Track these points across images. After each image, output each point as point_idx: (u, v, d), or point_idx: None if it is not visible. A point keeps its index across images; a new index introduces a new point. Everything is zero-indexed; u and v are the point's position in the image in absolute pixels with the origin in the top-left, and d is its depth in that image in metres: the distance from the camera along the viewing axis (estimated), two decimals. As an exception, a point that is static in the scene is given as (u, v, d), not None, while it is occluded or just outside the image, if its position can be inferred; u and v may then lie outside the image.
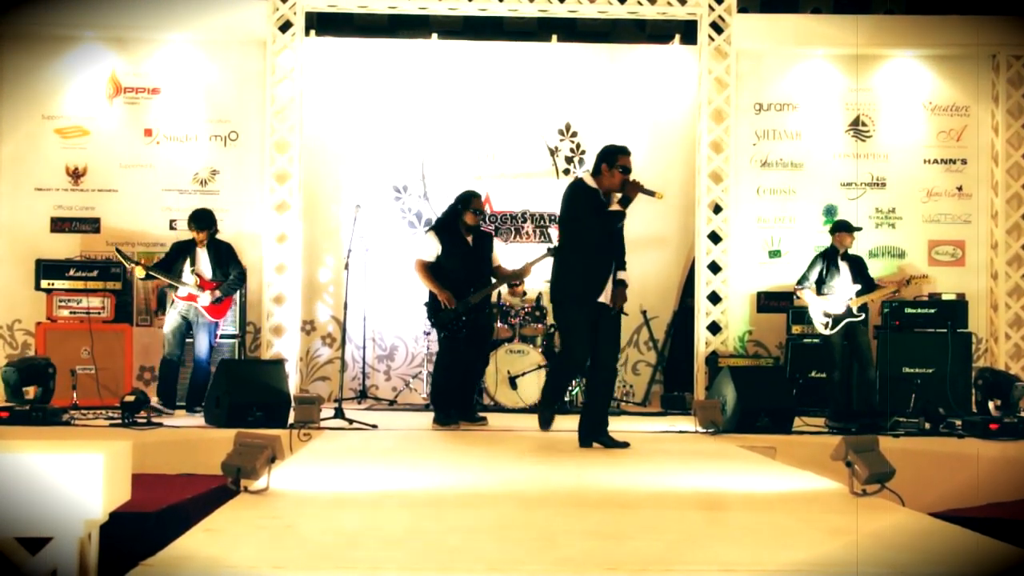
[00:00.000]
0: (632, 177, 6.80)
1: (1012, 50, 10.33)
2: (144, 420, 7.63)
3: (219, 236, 9.03)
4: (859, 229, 9.33)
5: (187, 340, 8.78)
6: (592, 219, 6.72)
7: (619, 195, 6.79)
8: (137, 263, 8.60)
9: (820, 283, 9.09)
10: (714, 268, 10.03)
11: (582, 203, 6.75)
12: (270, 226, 9.91)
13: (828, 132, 10.56)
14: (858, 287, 8.97)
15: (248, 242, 10.14)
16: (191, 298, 8.61)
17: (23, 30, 10.01)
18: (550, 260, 7.52)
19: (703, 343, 9.93)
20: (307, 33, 10.15)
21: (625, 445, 6.71)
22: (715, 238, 10.05)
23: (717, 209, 10.06)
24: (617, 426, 7.43)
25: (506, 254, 9.35)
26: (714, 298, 10.00)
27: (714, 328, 9.96)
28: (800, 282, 9.23)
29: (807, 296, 9.11)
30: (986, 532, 3.85)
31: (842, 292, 8.98)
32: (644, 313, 10.51)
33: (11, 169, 10.12)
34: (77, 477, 2.93)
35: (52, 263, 9.43)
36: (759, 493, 5.00)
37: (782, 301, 10.29)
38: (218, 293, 8.69)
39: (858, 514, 4.26)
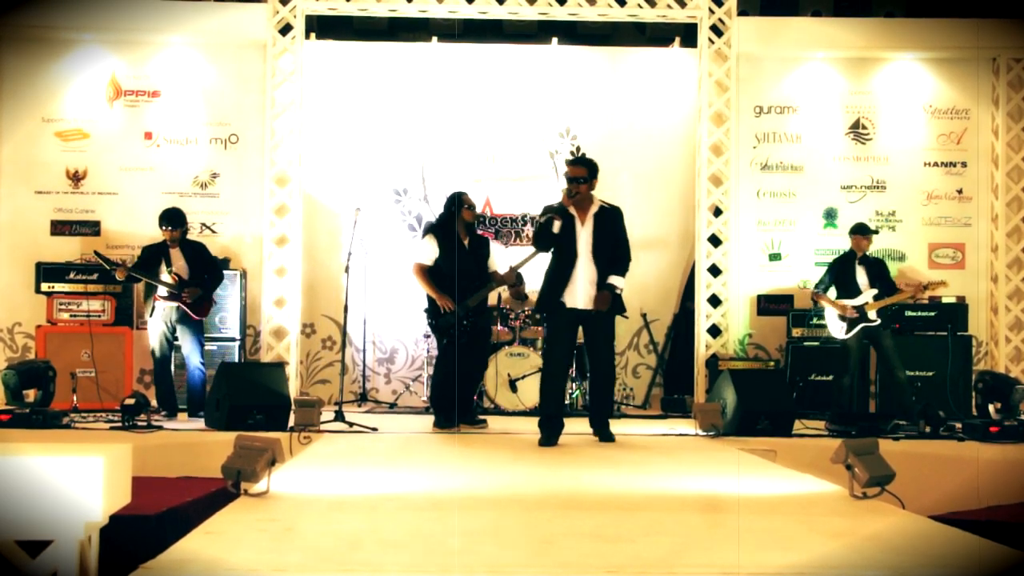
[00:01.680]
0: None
1: (1012, 53, 10.33)
2: (144, 423, 7.63)
3: (191, 236, 9.05)
4: (876, 232, 9.31)
5: (174, 343, 8.77)
6: (544, 232, 7.23)
7: (600, 205, 7.28)
8: (119, 265, 8.55)
9: (838, 287, 9.09)
10: (714, 271, 10.02)
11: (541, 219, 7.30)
12: (270, 229, 9.90)
13: (828, 135, 10.56)
14: (875, 291, 8.95)
15: (248, 245, 10.16)
16: (174, 298, 8.59)
17: (23, 32, 10.01)
18: (536, 261, 7.95)
19: (703, 346, 9.93)
20: (307, 36, 10.15)
21: (612, 439, 7.25)
22: (715, 241, 10.05)
23: (717, 212, 10.06)
24: (617, 428, 7.46)
25: (506, 257, 9.35)
26: (714, 301, 9.99)
27: (714, 331, 9.96)
28: (817, 286, 9.24)
29: (824, 300, 9.10)
30: (986, 535, 3.85)
31: (858, 296, 8.96)
32: (644, 316, 10.51)
33: (11, 172, 10.12)
34: (77, 480, 2.93)
35: (52, 266, 9.43)
36: (759, 496, 5.00)
37: (782, 304, 10.29)
38: (199, 292, 8.67)
39: (858, 517, 4.26)
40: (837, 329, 8.99)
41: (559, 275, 7.17)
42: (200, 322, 8.74)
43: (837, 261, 9.30)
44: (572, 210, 7.17)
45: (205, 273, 8.77)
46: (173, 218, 8.75)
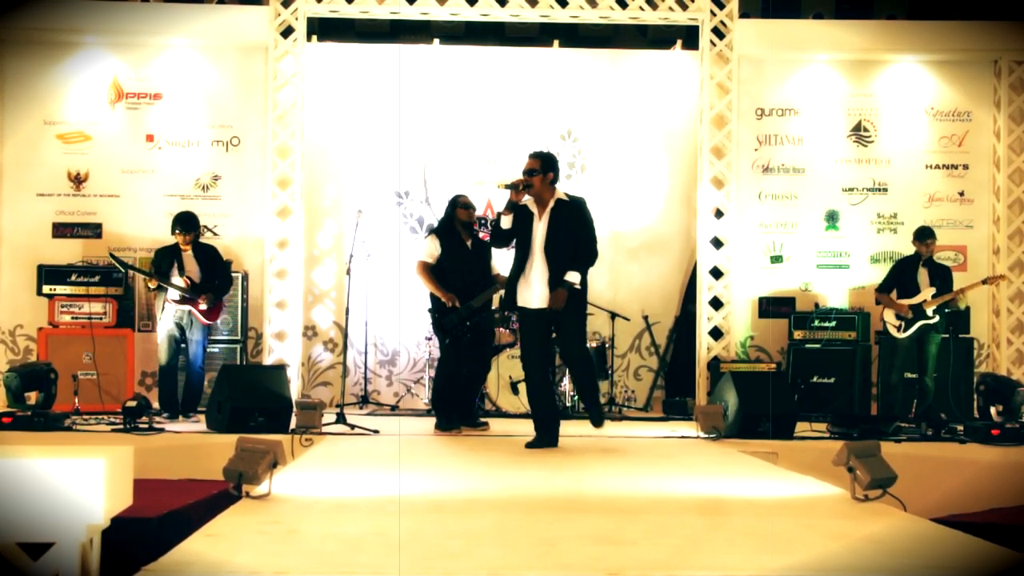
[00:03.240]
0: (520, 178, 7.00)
1: (1014, 55, 10.33)
2: (146, 425, 7.62)
3: (202, 240, 9.08)
4: (933, 237, 9.25)
5: (181, 345, 8.77)
6: (517, 227, 7.03)
7: (556, 199, 7.02)
8: (149, 274, 8.59)
9: (898, 288, 9.22)
10: (716, 273, 10.03)
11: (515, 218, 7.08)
12: (272, 231, 9.91)
13: (830, 137, 10.56)
14: (933, 290, 8.99)
15: (250, 247, 10.16)
16: (187, 302, 8.59)
17: (25, 35, 10.02)
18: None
19: (705, 348, 9.93)
20: (309, 38, 10.15)
21: (600, 424, 7.10)
22: (717, 243, 10.06)
23: (719, 214, 10.07)
24: (619, 431, 7.49)
25: (508, 259, 9.34)
26: (716, 303, 10.00)
27: (716, 333, 9.96)
28: (879, 288, 9.37)
29: (885, 300, 9.23)
30: (987, 537, 3.85)
31: (918, 295, 9.05)
32: (646, 318, 10.50)
33: (13, 174, 10.12)
34: (79, 482, 2.93)
35: (54, 268, 9.44)
36: (761, 498, 4.99)
37: (783, 306, 10.30)
38: (212, 297, 8.68)
39: (859, 519, 4.26)
40: (894, 327, 9.12)
41: (515, 274, 7.01)
42: (209, 327, 8.76)
43: (899, 262, 9.48)
44: (532, 206, 6.99)
45: (216, 278, 8.78)
46: (187, 222, 8.77)
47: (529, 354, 7.11)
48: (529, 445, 6.92)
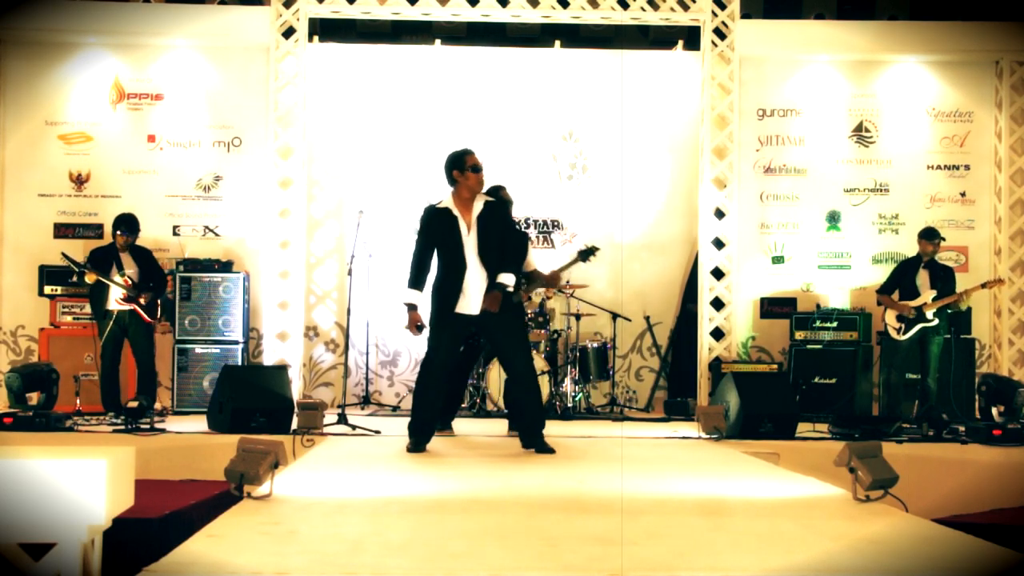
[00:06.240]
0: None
1: (1015, 56, 10.33)
2: (147, 426, 7.63)
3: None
4: (942, 238, 9.32)
5: (121, 347, 8.82)
6: (439, 235, 6.66)
7: (483, 201, 6.68)
8: (87, 268, 8.60)
9: (900, 289, 9.25)
10: (717, 274, 10.03)
11: (428, 225, 6.74)
12: (273, 232, 9.91)
13: (831, 138, 10.56)
14: (934, 292, 9.01)
15: (251, 248, 10.17)
16: (130, 302, 8.62)
17: (26, 36, 10.02)
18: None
19: (706, 349, 9.93)
20: (310, 39, 10.15)
21: (551, 451, 6.58)
22: (718, 244, 10.05)
23: (720, 215, 10.07)
24: (620, 431, 7.46)
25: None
26: (717, 304, 10.00)
27: (717, 334, 9.96)
28: (881, 289, 9.39)
29: (886, 301, 9.25)
30: (989, 538, 3.85)
31: (918, 298, 9.07)
32: (647, 319, 10.50)
33: (14, 175, 10.13)
34: (80, 483, 2.93)
35: (55, 269, 9.44)
36: (762, 499, 4.99)
37: (785, 307, 10.30)
38: (152, 295, 8.76)
39: (861, 520, 4.26)
40: (894, 329, 9.16)
41: (449, 286, 6.57)
42: (152, 325, 8.77)
43: (901, 264, 9.52)
44: (454, 209, 6.62)
45: (151, 280, 8.85)
46: (130, 224, 8.90)
47: (439, 352, 6.64)
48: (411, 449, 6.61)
